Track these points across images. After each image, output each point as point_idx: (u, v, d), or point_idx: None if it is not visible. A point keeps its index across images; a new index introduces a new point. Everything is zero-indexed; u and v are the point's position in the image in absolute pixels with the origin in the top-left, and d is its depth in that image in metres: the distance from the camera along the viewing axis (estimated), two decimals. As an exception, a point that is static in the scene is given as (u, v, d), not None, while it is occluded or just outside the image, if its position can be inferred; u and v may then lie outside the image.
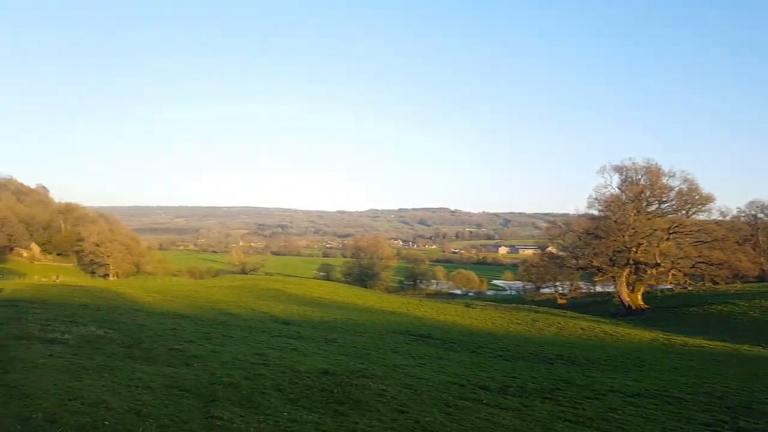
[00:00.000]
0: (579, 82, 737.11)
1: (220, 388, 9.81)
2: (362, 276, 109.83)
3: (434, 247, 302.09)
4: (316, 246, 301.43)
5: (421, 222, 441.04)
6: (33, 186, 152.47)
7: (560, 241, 69.81)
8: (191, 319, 26.06)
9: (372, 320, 37.11)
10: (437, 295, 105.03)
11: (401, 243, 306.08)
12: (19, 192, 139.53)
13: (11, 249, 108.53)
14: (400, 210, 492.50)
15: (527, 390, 13.76)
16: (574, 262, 64.84)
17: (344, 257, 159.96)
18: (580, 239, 66.09)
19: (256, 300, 48.00)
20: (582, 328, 39.64)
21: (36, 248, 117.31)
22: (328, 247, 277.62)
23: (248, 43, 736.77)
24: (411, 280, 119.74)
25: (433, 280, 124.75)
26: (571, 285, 70.26)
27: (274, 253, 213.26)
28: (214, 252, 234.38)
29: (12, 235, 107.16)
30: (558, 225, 75.35)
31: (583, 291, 72.63)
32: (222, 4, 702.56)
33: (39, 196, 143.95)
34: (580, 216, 71.06)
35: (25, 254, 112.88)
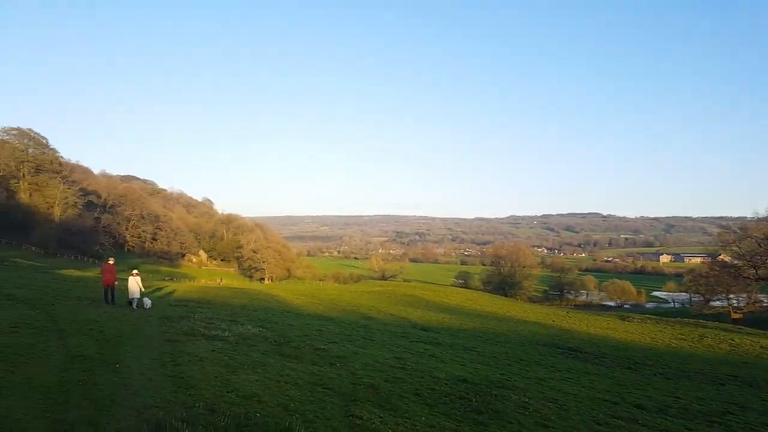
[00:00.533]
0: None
1: (360, 389, 10.07)
2: (502, 285, 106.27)
3: (583, 255, 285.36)
4: (453, 253, 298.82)
5: (568, 229, 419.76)
6: (200, 199, 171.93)
7: (735, 249, 63.05)
8: (335, 321, 27.08)
9: (513, 330, 35.64)
10: (587, 307, 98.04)
11: (545, 251, 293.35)
12: (189, 205, 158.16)
13: (183, 255, 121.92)
14: (544, 216, 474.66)
15: (691, 412, 12.30)
16: (753, 272, 58.26)
17: (483, 265, 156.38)
18: (759, 246, 58.79)
19: (395, 305, 48.51)
20: (762, 347, 34.23)
21: (203, 254, 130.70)
22: (466, 255, 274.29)
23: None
24: (557, 290, 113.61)
25: (582, 291, 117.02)
26: (749, 297, 62.76)
27: (412, 260, 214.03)
28: (356, 258, 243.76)
29: (184, 243, 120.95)
30: (733, 230, 68.87)
31: (764, 304, 64.11)
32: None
33: (205, 208, 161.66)
34: (760, 220, 63.28)
35: (194, 260, 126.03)
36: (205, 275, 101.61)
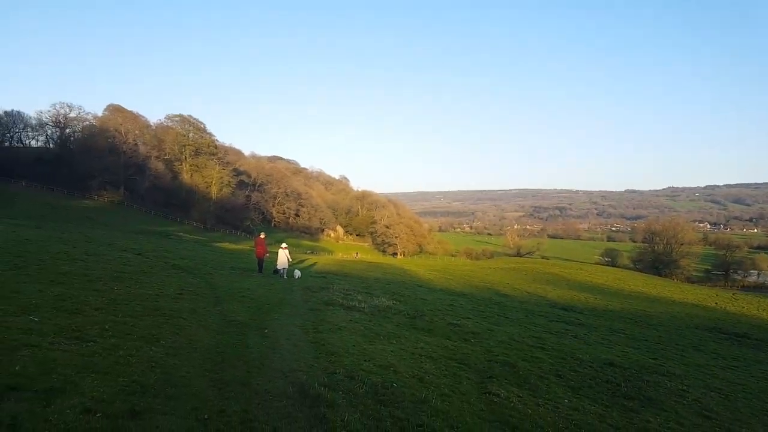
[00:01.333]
0: None
1: (497, 366, 9.81)
2: (656, 263, 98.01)
3: (755, 231, 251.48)
4: (599, 229, 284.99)
5: (737, 201, 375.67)
6: (337, 177, 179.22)
7: None
8: (467, 297, 26.87)
9: (668, 312, 32.85)
10: (758, 289, 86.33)
11: (708, 226, 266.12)
12: (327, 182, 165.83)
13: (322, 230, 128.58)
14: (708, 187, 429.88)
15: None
16: None
17: (633, 242, 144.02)
18: None
19: (531, 283, 47.21)
20: None
21: (340, 230, 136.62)
22: (613, 231, 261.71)
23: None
24: (721, 269, 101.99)
25: (753, 271, 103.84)
26: None
27: (551, 237, 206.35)
28: (489, 234, 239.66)
29: (323, 219, 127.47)
30: None
31: None
32: None
33: (342, 185, 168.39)
34: None
35: (332, 234, 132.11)
36: (341, 249, 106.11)
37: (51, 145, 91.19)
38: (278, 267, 22.81)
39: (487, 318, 17.89)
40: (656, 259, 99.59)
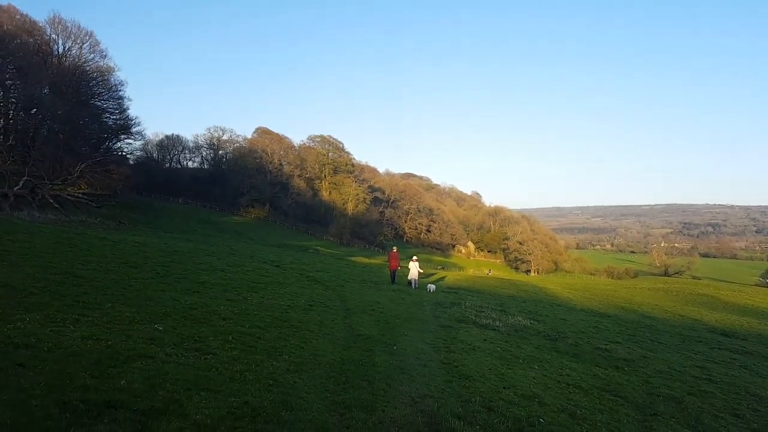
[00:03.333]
0: None
1: (659, 401, 8.49)
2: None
3: None
4: (758, 248, 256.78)
5: None
6: (469, 192, 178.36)
7: None
8: (612, 318, 24.65)
9: None
10: None
11: None
12: (459, 198, 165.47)
13: (453, 246, 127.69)
14: None
15: None
16: None
17: None
18: None
19: (683, 305, 43.34)
20: None
21: (471, 246, 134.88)
22: None
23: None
24: None
25: None
26: None
27: (703, 255, 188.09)
28: (632, 252, 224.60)
29: (454, 234, 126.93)
30: None
31: None
32: None
33: (473, 201, 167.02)
34: None
35: (463, 250, 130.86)
36: (473, 265, 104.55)
37: (206, 166, 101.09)
38: (410, 278, 24.17)
39: (639, 343, 15.92)
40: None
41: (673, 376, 10.84)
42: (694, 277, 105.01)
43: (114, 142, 67.93)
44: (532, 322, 16.07)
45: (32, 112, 51.94)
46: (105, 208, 47.10)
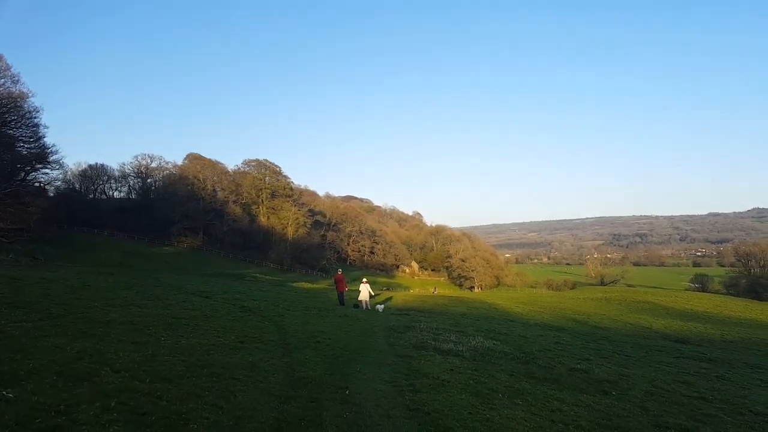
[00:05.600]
0: None
1: (669, 434, 6.96)
2: (754, 287, 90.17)
3: None
4: (683, 255, 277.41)
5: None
6: (410, 213, 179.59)
7: None
8: (568, 332, 23.93)
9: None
10: None
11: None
12: (401, 219, 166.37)
13: (397, 266, 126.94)
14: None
15: None
16: None
17: (721, 266, 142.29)
18: None
19: (628, 313, 44.51)
20: None
21: (415, 265, 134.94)
22: (698, 256, 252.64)
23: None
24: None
25: None
26: None
27: (634, 264, 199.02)
28: (568, 264, 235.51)
29: (397, 255, 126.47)
30: None
31: None
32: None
33: (415, 221, 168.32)
34: None
35: (407, 270, 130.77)
36: (418, 284, 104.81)
37: (133, 195, 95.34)
38: (359, 299, 24.86)
39: (607, 358, 14.70)
40: (755, 283, 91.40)
41: (665, 398, 9.61)
42: (629, 285, 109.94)
43: (29, 172, 62.37)
44: (494, 342, 14.56)
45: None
46: (18, 243, 43.10)
